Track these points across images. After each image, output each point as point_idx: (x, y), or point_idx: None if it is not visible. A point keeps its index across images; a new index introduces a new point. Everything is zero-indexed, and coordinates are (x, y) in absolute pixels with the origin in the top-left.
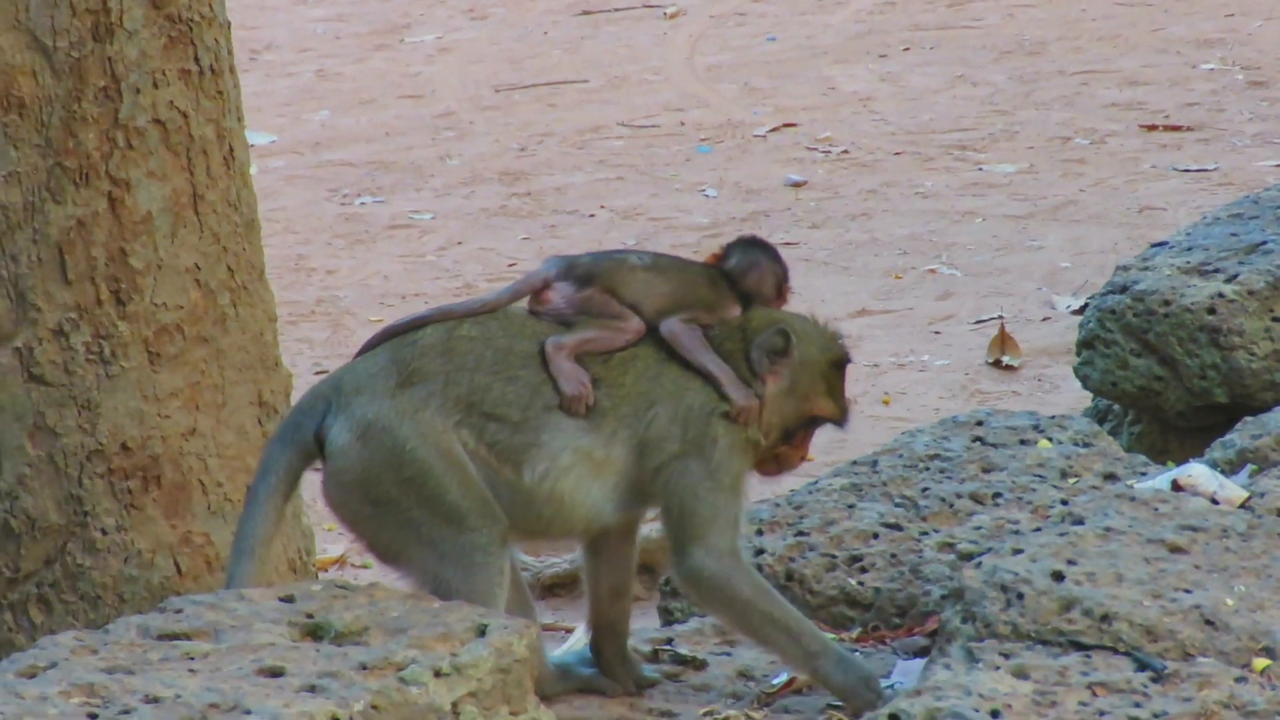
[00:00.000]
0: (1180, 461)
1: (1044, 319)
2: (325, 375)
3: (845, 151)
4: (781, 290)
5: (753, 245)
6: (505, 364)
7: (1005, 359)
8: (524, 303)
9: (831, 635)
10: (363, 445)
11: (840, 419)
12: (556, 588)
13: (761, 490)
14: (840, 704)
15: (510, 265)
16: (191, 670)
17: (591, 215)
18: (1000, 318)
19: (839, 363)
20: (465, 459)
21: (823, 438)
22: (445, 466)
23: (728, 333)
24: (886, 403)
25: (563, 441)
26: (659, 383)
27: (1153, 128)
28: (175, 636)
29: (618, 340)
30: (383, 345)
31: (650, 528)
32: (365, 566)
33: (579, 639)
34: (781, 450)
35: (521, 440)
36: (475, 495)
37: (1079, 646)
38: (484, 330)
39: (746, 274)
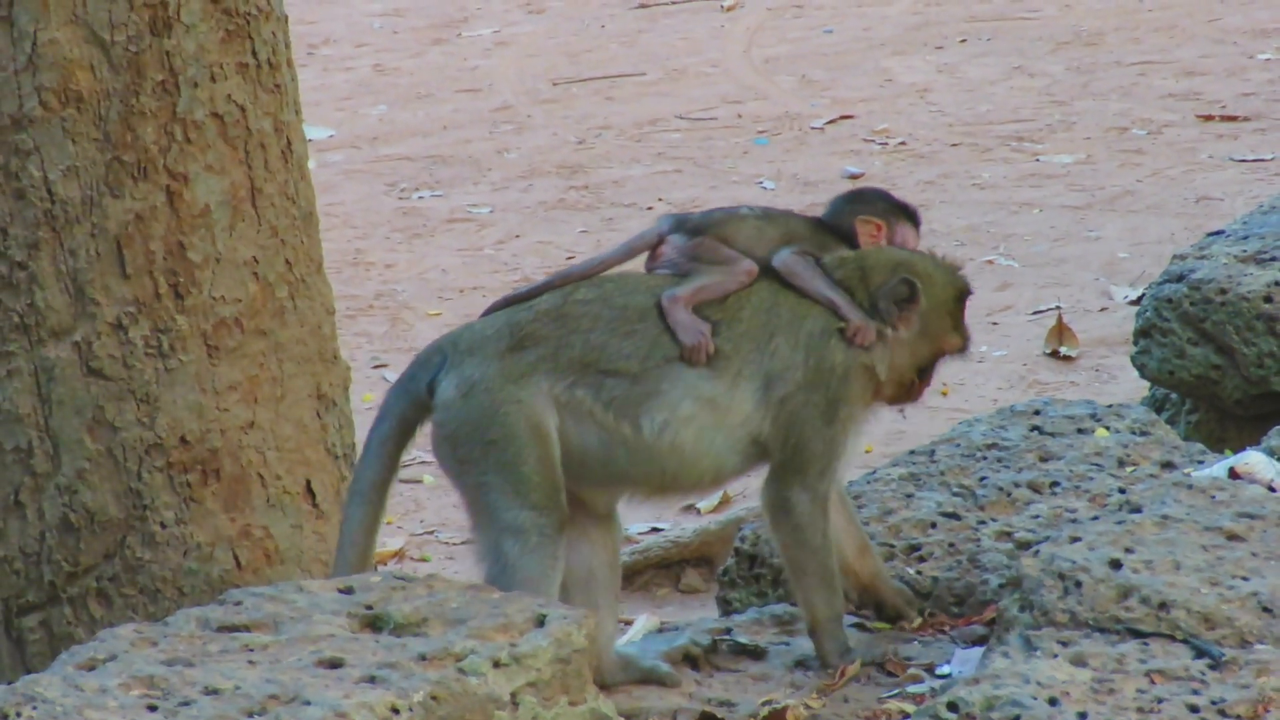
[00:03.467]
0: (1237, 449)
1: (1101, 309)
2: (443, 335)
3: (903, 143)
4: (893, 237)
5: (842, 198)
6: (622, 321)
7: (1063, 349)
8: (640, 262)
9: (889, 625)
10: (464, 403)
11: (965, 349)
12: None
13: None
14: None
15: (568, 258)
16: (251, 662)
17: (649, 208)
18: (1058, 308)
19: (962, 296)
20: (553, 438)
21: (880, 429)
22: (529, 438)
23: (844, 266)
24: (945, 393)
25: (683, 390)
26: (776, 313)
27: (1209, 118)
28: (235, 628)
29: (731, 284)
30: (503, 310)
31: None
32: (424, 559)
33: (640, 629)
34: (912, 387)
35: (640, 392)
36: (548, 476)
37: (1136, 634)
38: (600, 291)
39: (838, 223)
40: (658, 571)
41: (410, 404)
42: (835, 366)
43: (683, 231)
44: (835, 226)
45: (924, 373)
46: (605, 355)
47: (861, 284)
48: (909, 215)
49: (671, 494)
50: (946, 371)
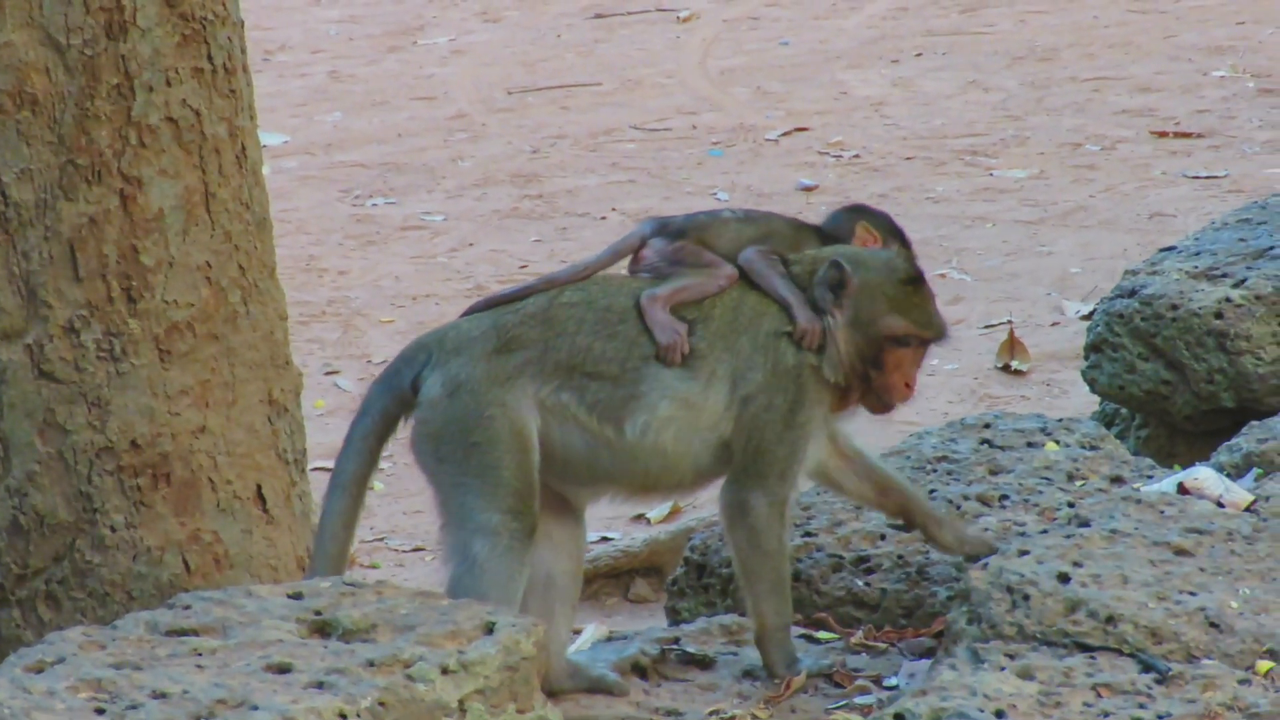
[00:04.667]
0: (1187, 465)
1: (1053, 324)
2: (428, 332)
3: (857, 156)
4: (880, 242)
5: (851, 209)
6: (604, 323)
7: (1014, 364)
8: (624, 266)
9: (836, 636)
10: (449, 402)
11: (923, 334)
12: None
13: None
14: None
15: (522, 267)
16: (199, 666)
17: (603, 218)
18: (1010, 322)
19: (908, 280)
20: (534, 444)
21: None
22: (510, 443)
23: (800, 263)
24: None
25: (661, 391)
26: (741, 311)
27: (1163, 134)
28: (183, 632)
29: (710, 287)
30: (488, 311)
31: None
32: (374, 566)
33: (588, 638)
34: (877, 382)
35: (622, 395)
36: (525, 482)
37: (1084, 648)
38: (585, 294)
39: (835, 231)
40: (607, 581)
41: (393, 399)
42: (789, 369)
43: (664, 235)
44: (829, 232)
45: (879, 364)
46: (589, 358)
47: (809, 278)
48: (905, 244)
49: (654, 494)
50: None
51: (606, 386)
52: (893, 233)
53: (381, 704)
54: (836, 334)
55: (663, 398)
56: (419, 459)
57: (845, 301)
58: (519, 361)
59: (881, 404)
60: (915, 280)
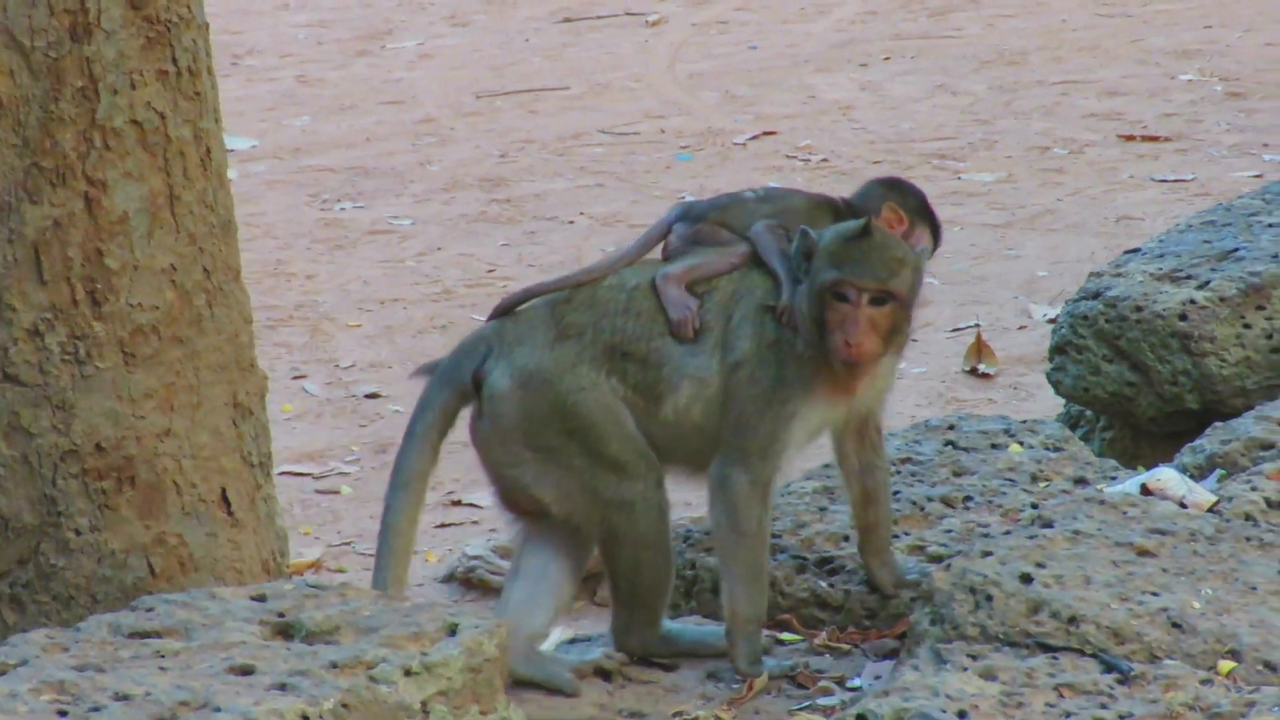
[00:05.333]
0: (1151, 466)
1: (1020, 327)
2: (482, 326)
3: (825, 160)
4: (907, 224)
5: (880, 182)
6: (633, 302)
7: (981, 367)
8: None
9: (800, 637)
10: (524, 393)
11: (854, 281)
12: None
13: None
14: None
15: (489, 271)
16: (162, 668)
17: (571, 222)
18: (977, 326)
19: (856, 235)
20: (623, 412)
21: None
22: (606, 421)
23: (804, 243)
24: None
25: (680, 370)
26: (743, 283)
27: (1131, 138)
28: (146, 634)
29: (722, 265)
30: (542, 299)
31: None
32: (341, 570)
33: (552, 641)
34: (826, 344)
35: (651, 376)
36: (634, 446)
37: (1046, 648)
38: (621, 277)
39: (863, 205)
40: None
41: (454, 394)
42: (770, 344)
43: (687, 219)
44: (857, 206)
45: (823, 325)
46: (625, 339)
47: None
48: (934, 227)
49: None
50: None
51: (639, 367)
52: (922, 214)
53: (344, 705)
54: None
55: (682, 377)
56: (492, 451)
57: (811, 266)
58: (577, 348)
59: (834, 359)
60: (863, 233)
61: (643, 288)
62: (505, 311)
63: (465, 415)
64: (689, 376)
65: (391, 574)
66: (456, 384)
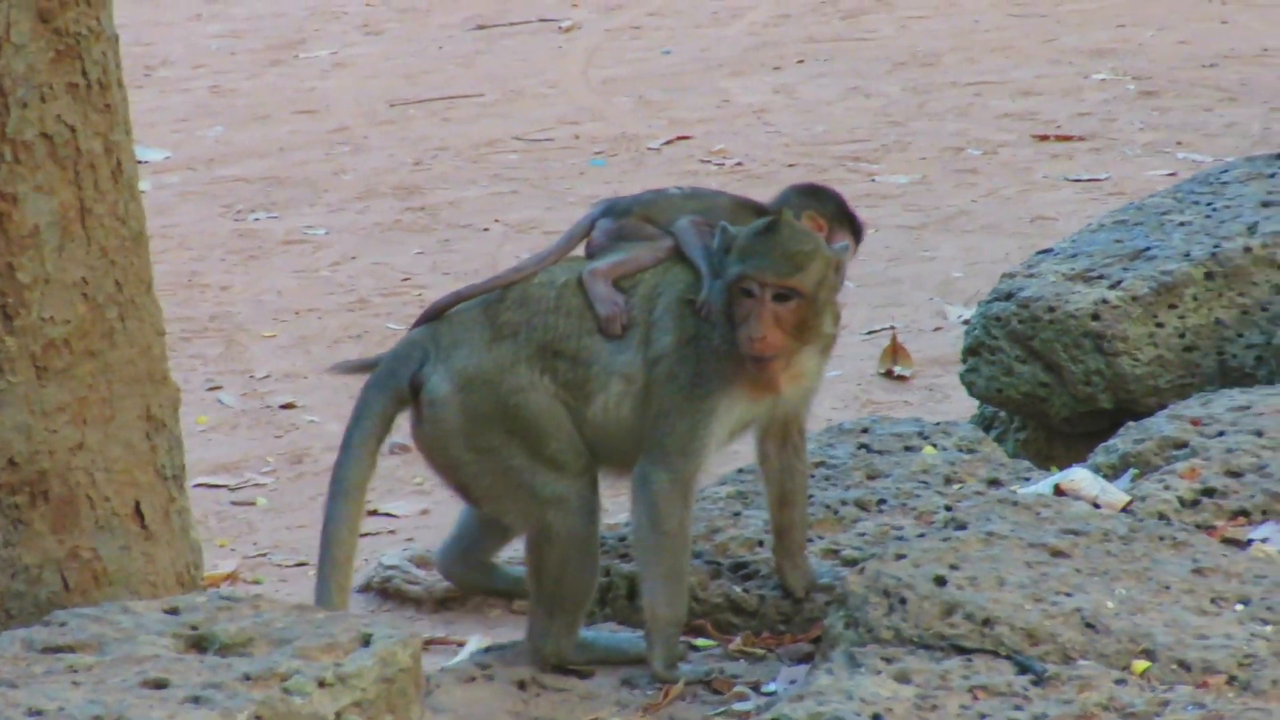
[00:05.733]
0: (1065, 467)
1: (936, 329)
2: (414, 331)
3: (739, 164)
4: (826, 229)
5: (796, 190)
6: (562, 299)
7: (897, 369)
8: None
9: (715, 642)
10: (465, 396)
11: (755, 275)
12: (449, 601)
13: None
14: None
15: (404, 279)
16: (75, 683)
17: (486, 229)
18: (892, 328)
19: (762, 230)
20: (561, 410)
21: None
22: (546, 420)
23: (726, 240)
24: None
25: (607, 368)
26: (665, 278)
27: (1045, 138)
28: (59, 649)
29: (648, 259)
30: (474, 301)
31: None
32: (257, 582)
33: (471, 649)
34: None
35: (581, 373)
36: (572, 445)
37: (960, 650)
38: (550, 274)
39: (790, 208)
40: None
41: (391, 400)
42: (689, 339)
43: (611, 215)
44: (774, 209)
45: (733, 320)
46: (556, 336)
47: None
48: (855, 227)
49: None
50: None
51: (569, 365)
52: (840, 216)
53: (259, 718)
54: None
55: (610, 375)
56: (436, 454)
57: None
58: (513, 348)
59: (743, 354)
60: (769, 228)
61: (571, 284)
62: (434, 316)
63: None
64: (616, 374)
65: (334, 583)
66: (393, 390)
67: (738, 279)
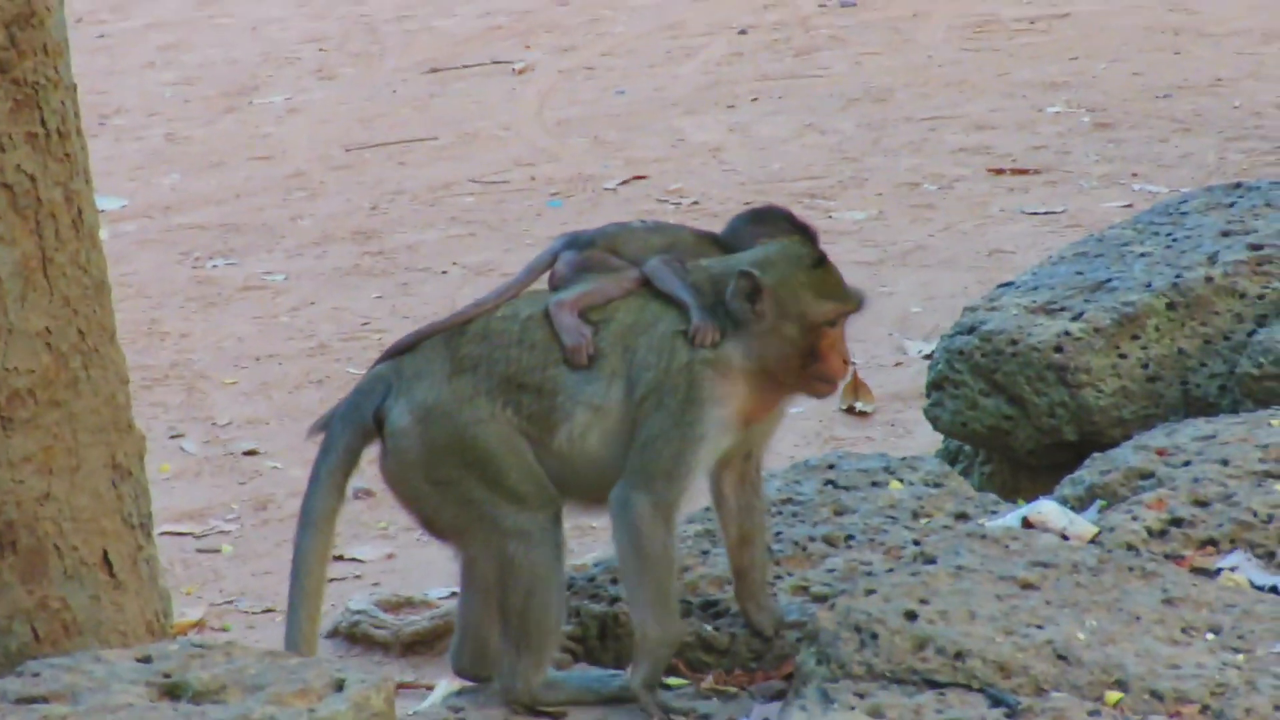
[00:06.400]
0: (1031, 499)
1: (896, 364)
2: (378, 365)
3: (696, 202)
4: None
5: (745, 217)
6: (525, 332)
7: (859, 405)
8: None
9: (687, 681)
10: (424, 428)
11: (849, 308)
12: (417, 645)
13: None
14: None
15: (364, 324)
16: None
17: (444, 272)
18: (853, 364)
19: (815, 263)
20: (522, 443)
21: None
22: (505, 451)
23: (695, 272)
24: None
25: (573, 397)
26: (642, 315)
27: (1000, 171)
28: (33, 700)
29: (614, 290)
30: (436, 336)
31: None
32: (225, 629)
33: (440, 693)
34: (815, 370)
35: (545, 404)
36: (533, 477)
37: (933, 684)
38: (514, 308)
39: (736, 241)
40: None
41: (355, 433)
42: (681, 368)
43: (574, 247)
44: (728, 242)
45: (814, 353)
46: (519, 369)
47: (711, 287)
48: (810, 237)
49: (599, 502)
50: None
51: (534, 398)
52: (795, 231)
53: None
54: (760, 336)
55: (576, 404)
56: (399, 487)
57: (764, 306)
58: (473, 381)
59: (825, 386)
60: (821, 261)
61: (536, 317)
62: (398, 354)
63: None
64: (583, 404)
65: (304, 612)
66: (358, 424)
67: (835, 315)
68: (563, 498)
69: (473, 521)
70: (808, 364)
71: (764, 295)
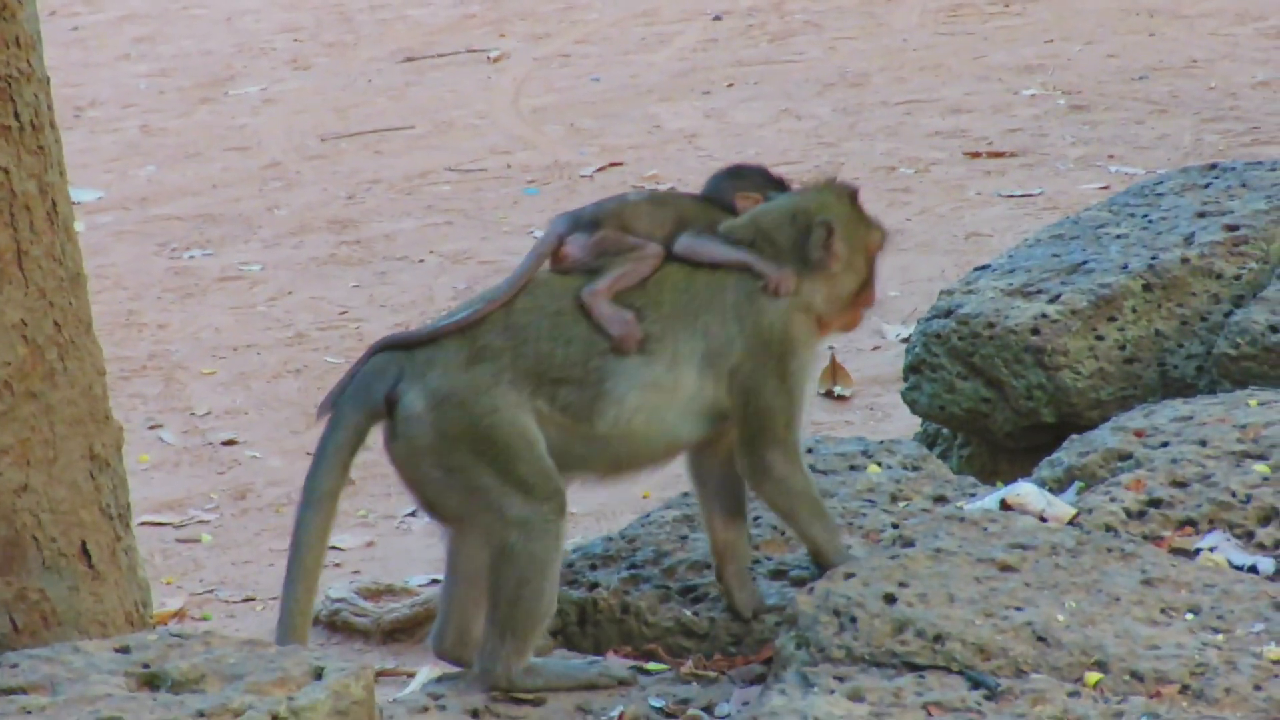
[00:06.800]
0: (1009, 481)
1: (874, 348)
2: (385, 350)
3: (672, 189)
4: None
5: (721, 176)
6: (558, 327)
7: (837, 389)
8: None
9: (666, 666)
10: (437, 415)
11: (885, 230)
12: (397, 633)
13: (594, 527)
14: None
15: (341, 313)
16: None
17: (421, 260)
18: (831, 349)
19: (853, 198)
20: (536, 434)
21: (658, 474)
22: (518, 442)
23: (740, 230)
24: None
25: (626, 383)
26: (694, 293)
27: (976, 155)
28: (12, 691)
29: (644, 269)
30: (449, 325)
31: None
32: (205, 619)
33: (421, 680)
34: (863, 299)
35: (589, 394)
36: (542, 469)
37: (913, 667)
38: (534, 300)
39: (719, 198)
40: None
41: (365, 414)
42: (771, 324)
43: (581, 229)
44: (717, 201)
45: (868, 283)
46: (553, 364)
47: (765, 240)
48: (784, 188)
49: (625, 475)
50: None
51: (574, 389)
52: (772, 184)
53: None
54: (828, 280)
55: (630, 389)
56: (406, 470)
57: (838, 246)
58: (493, 370)
59: (865, 310)
60: (857, 194)
61: (567, 311)
62: (408, 346)
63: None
64: (638, 388)
65: (301, 588)
66: (367, 405)
67: (883, 242)
68: (581, 473)
69: (477, 508)
70: (859, 294)
71: (836, 237)
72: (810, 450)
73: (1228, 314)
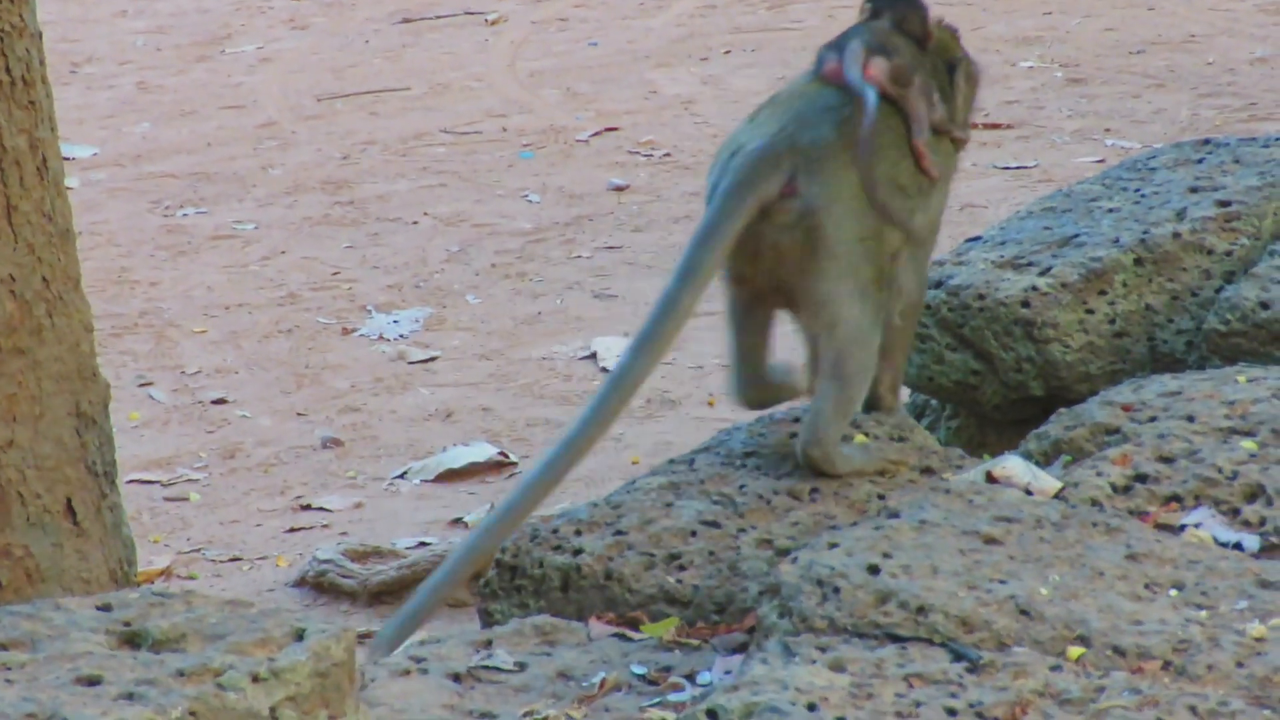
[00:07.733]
0: (997, 454)
1: None
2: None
3: (668, 155)
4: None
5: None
6: (898, 145)
7: None
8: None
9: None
10: (843, 207)
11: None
12: (384, 594)
13: (582, 493)
14: None
15: (334, 274)
16: (8, 681)
17: (415, 222)
18: None
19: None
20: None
21: (645, 440)
22: (887, 238)
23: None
24: (712, 404)
25: (941, 204)
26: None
27: (973, 125)
28: None
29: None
30: (826, 131)
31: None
32: (192, 577)
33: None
34: None
35: (911, 204)
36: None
37: (895, 638)
38: (885, 119)
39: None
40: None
41: (758, 202)
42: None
43: (878, 53)
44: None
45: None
46: (898, 174)
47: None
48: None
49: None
50: (713, 381)
51: (902, 199)
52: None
53: (192, 713)
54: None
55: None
56: (791, 261)
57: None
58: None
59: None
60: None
61: (897, 130)
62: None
63: None
64: (922, 210)
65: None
66: (763, 196)
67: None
68: None
69: (851, 293)
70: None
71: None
72: (798, 420)
73: (1218, 290)
